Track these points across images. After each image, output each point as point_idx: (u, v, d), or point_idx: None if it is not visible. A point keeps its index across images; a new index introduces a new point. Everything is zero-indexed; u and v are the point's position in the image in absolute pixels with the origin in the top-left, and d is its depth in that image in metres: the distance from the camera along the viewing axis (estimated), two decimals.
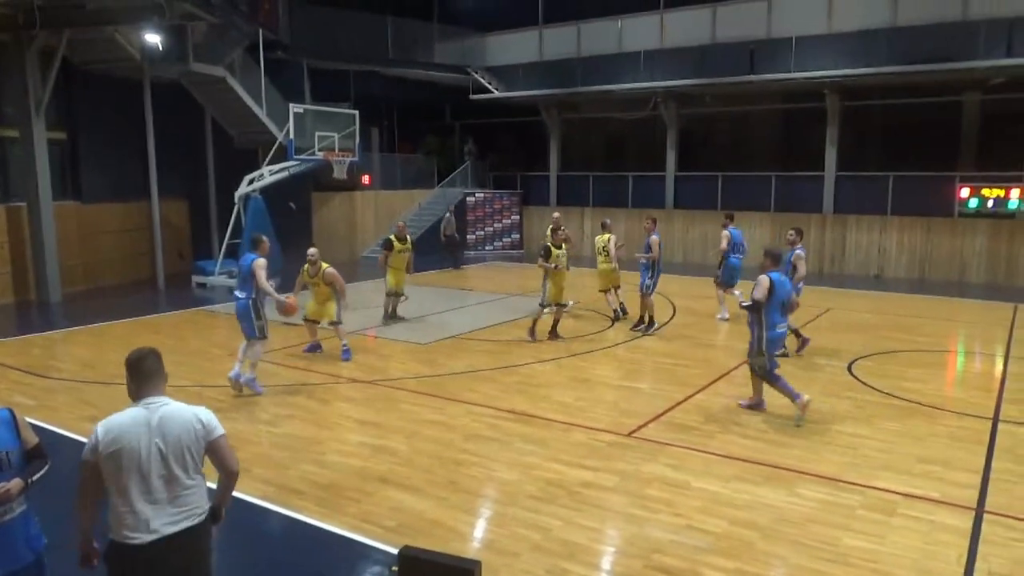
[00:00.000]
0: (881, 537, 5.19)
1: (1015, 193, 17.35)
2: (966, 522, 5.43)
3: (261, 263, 8.49)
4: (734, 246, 12.73)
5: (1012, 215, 17.48)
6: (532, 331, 11.20)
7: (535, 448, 6.89)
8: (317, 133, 16.14)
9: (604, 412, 7.94)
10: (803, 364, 9.95)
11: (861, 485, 6.05)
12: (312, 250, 10.27)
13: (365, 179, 22.29)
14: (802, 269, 10.15)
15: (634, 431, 7.34)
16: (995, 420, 7.73)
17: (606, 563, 4.99)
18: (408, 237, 12.77)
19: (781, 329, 7.84)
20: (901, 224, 18.79)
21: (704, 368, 9.78)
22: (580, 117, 25.51)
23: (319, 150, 16.11)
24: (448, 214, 21.23)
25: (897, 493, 5.90)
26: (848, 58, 18.20)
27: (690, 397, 8.46)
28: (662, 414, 7.87)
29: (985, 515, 5.54)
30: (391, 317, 12.62)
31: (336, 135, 16.50)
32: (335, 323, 10.15)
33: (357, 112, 17.36)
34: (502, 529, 5.36)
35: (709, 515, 5.52)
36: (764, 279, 7.60)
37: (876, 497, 5.83)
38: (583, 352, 10.68)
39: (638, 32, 21.93)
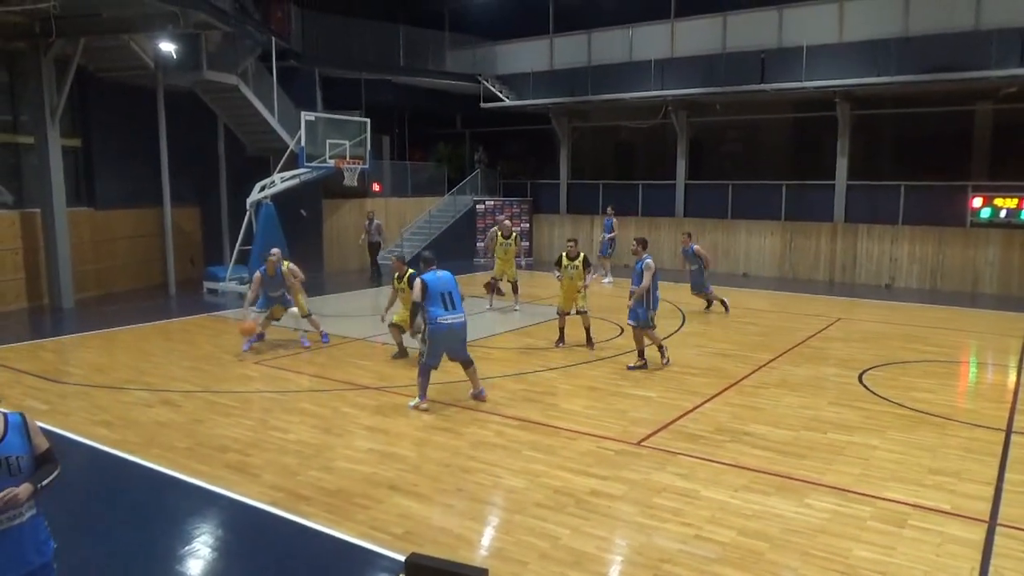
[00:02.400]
0: (892, 549, 5.14)
1: None
2: (979, 534, 5.38)
3: (256, 276, 10.67)
4: (609, 229, 18.92)
5: None
6: (558, 340, 11.54)
7: (543, 456, 6.88)
8: (328, 141, 16.21)
9: (613, 420, 7.92)
10: (813, 374, 9.90)
11: (872, 496, 6.00)
12: (274, 250, 11.17)
13: (376, 186, 22.39)
14: (647, 279, 9.94)
15: (643, 440, 7.31)
16: (1008, 431, 7.66)
17: (614, 572, 4.96)
18: (406, 272, 10.20)
19: (443, 321, 8.17)
20: (912, 234, 18.66)
21: (714, 377, 9.73)
22: (590, 125, 25.55)
23: (330, 157, 16.18)
24: (369, 220, 19.30)
25: (908, 504, 5.85)
26: (859, 67, 18.15)
27: (699, 406, 8.42)
28: (671, 423, 7.84)
29: (998, 527, 5.48)
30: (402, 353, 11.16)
31: (347, 143, 16.57)
32: (307, 316, 11.12)
33: (368, 120, 17.45)
34: (509, 537, 5.35)
35: (718, 525, 5.49)
36: (418, 282, 8.20)
37: (887, 508, 5.78)
38: (592, 360, 10.66)
39: (649, 41, 21.96)
